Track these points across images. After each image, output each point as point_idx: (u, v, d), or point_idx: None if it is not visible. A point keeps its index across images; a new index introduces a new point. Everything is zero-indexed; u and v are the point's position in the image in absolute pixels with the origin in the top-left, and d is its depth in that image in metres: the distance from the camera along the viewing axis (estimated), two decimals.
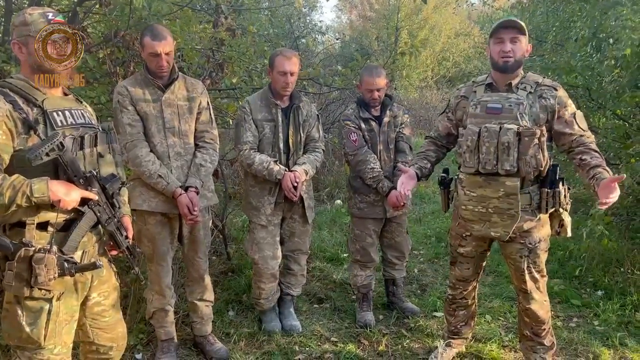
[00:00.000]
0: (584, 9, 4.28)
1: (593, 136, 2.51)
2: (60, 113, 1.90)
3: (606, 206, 2.23)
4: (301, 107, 3.19)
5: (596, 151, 2.42)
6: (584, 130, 2.46)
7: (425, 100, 14.55)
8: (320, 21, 19.07)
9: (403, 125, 3.43)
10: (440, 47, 17.84)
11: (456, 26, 18.92)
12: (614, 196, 2.18)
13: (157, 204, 2.73)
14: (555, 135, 2.50)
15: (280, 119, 3.12)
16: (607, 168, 2.33)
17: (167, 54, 2.63)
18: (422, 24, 17.29)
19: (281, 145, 3.13)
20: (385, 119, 3.36)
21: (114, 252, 2.11)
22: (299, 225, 3.33)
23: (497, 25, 2.48)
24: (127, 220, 2.17)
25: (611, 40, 3.58)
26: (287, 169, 3.11)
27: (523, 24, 2.47)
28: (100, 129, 2.05)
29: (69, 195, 1.79)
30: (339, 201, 6.60)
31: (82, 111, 2.02)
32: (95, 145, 1.99)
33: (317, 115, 3.37)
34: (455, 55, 18.19)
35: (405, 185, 2.68)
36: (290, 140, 3.16)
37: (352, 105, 3.49)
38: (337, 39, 13.82)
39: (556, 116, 2.46)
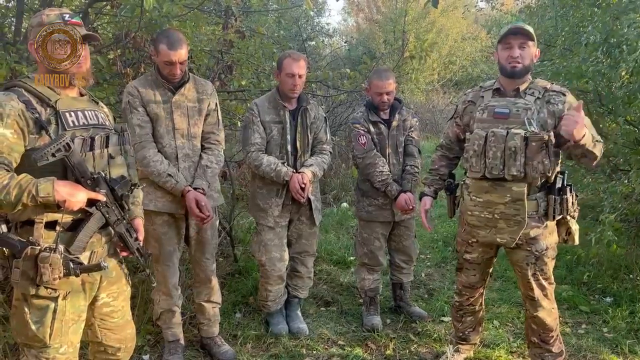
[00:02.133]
0: (594, 13, 4.25)
1: (602, 142, 2.44)
2: (72, 114, 1.90)
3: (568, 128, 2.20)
4: (309, 110, 3.19)
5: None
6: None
7: (431, 103, 14.53)
8: (327, 24, 19.09)
9: (412, 129, 3.43)
10: (447, 50, 17.81)
11: (463, 30, 18.89)
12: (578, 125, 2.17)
13: (163, 204, 2.74)
14: (562, 140, 2.42)
15: (288, 121, 3.12)
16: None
17: (181, 63, 2.65)
18: (429, 27, 17.26)
19: (289, 147, 3.13)
20: (394, 123, 3.36)
21: (124, 254, 2.12)
22: (306, 227, 3.33)
23: (505, 32, 2.46)
24: (139, 222, 2.17)
25: (625, 47, 3.55)
26: (294, 170, 3.10)
27: (531, 29, 2.46)
28: (113, 130, 2.05)
29: (74, 196, 1.79)
30: (345, 204, 6.60)
31: (96, 112, 2.02)
32: (107, 147, 1.99)
33: (325, 117, 3.37)
34: (462, 59, 18.15)
35: (426, 214, 2.90)
36: (298, 143, 3.16)
37: (361, 108, 3.49)
38: (344, 42, 13.82)
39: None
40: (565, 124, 2.22)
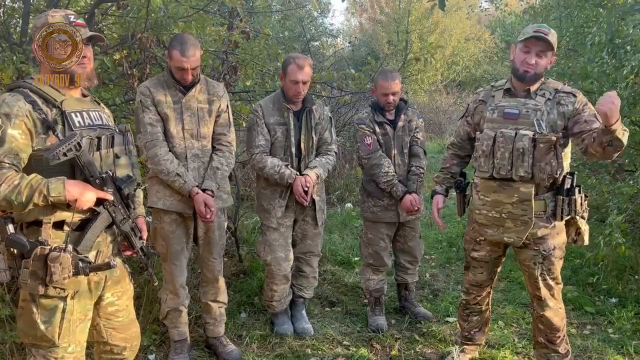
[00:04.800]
0: (599, 14, 4.25)
1: (627, 131, 2.33)
2: (78, 114, 1.92)
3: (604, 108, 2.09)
4: (313, 111, 3.19)
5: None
6: None
7: (435, 104, 14.52)
8: (330, 24, 19.07)
9: (417, 130, 3.43)
10: (450, 51, 17.80)
11: (466, 30, 18.88)
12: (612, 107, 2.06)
13: (172, 203, 2.75)
14: (576, 138, 2.42)
15: (292, 122, 3.12)
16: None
17: (193, 68, 2.67)
18: (432, 27, 17.25)
19: (293, 149, 3.13)
20: (400, 123, 3.35)
21: (128, 253, 2.13)
22: (310, 228, 3.33)
23: (529, 35, 2.41)
24: (142, 222, 2.19)
25: (629, 48, 3.54)
26: (298, 172, 3.11)
27: (555, 37, 2.43)
28: (117, 131, 2.06)
29: (85, 195, 1.81)
30: (349, 204, 6.60)
31: (100, 112, 2.04)
32: (112, 147, 2.01)
33: (330, 117, 3.36)
34: (466, 60, 18.13)
35: (438, 212, 2.89)
36: (302, 144, 3.16)
37: (367, 109, 3.49)
38: (349, 43, 13.82)
39: (574, 120, 2.41)
40: (601, 103, 2.08)
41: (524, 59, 2.44)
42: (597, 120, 2.33)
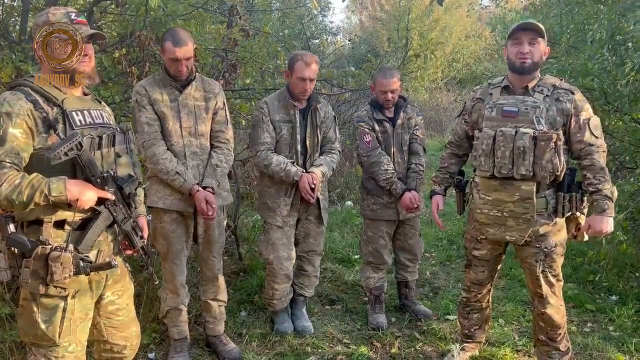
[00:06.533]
0: (600, 10, 4.24)
1: (604, 145, 2.47)
2: (79, 113, 1.91)
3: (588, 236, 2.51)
4: (319, 109, 3.18)
5: (602, 168, 2.40)
6: (595, 138, 2.43)
7: (435, 101, 14.50)
8: (330, 22, 19.04)
9: (417, 127, 3.42)
10: (450, 48, 17.77)
11: (467, 28, 18.85)
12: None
13: (172, 202, 2.75)
14: (568, 139, 2.49)
15: (298, 120, 3.11)
16: (606, 192, 2.38)
17: (186, 59, 2.66)
18: (432, 25, 17.23)
19: (298, 146, 3.12)
20: (399, 121, 3.35)
21: (129, 252, 2.13)
22: (313, 227, 3.32)
23: (515, 28, 2.46)
24: (143, 220, 2.19)
25: (630, 45, 3.54)
26: (304, 170, 3.10)
27: (542, 26, 2.45)
28: (118, 129, 2.06)
29: (86, 194, 1.81)
30: (349, 202, 6.59)
31: (101, 111, 2.04)
32: (113, 145, 2.00)
33: (334, 116, 3.36)
34: (466, 57, 18.11)
35: (437, 213, 2.92)
36: (308, 142, 3.15)
37: (366, 106, 3.48)
38: (349, 41, 13.81)
39: (572, 120, 2.44)
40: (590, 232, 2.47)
41: (517, 50, 2.44)
42: (588, 126, 2.42)
